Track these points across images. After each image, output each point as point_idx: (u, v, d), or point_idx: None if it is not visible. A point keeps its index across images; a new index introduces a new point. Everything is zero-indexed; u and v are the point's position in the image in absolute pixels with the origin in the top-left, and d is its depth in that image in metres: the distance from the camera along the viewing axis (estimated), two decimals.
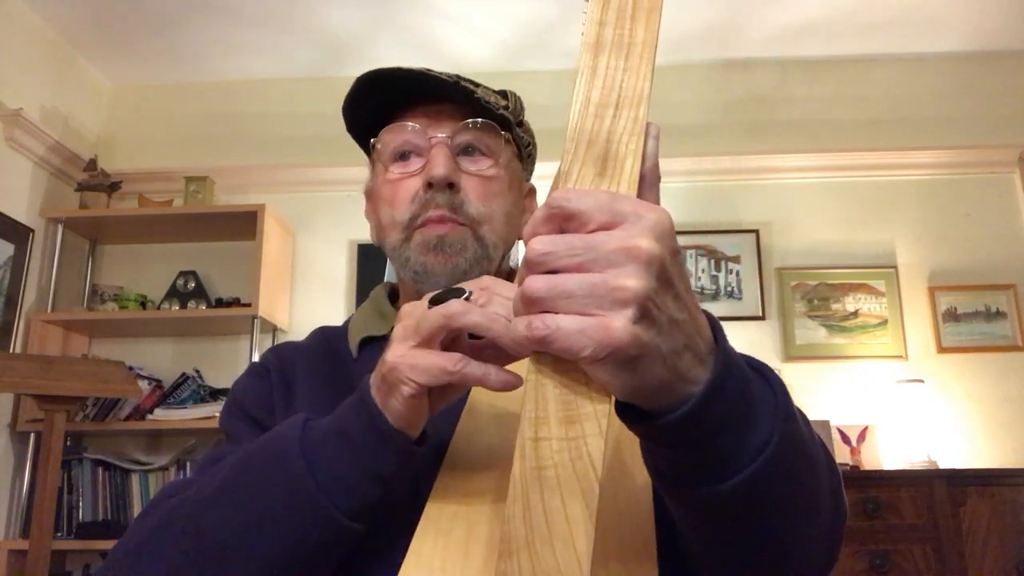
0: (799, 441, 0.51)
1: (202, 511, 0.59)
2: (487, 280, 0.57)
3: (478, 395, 0.68)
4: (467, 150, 0.79)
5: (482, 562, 0.53)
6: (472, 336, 0.56)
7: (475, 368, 0.53)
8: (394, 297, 0.89)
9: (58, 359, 2.68)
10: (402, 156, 0.80)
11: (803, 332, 3.15)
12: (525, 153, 0.87)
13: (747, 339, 3.06)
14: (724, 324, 0.59)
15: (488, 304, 0.54)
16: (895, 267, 3.18)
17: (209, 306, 3.08)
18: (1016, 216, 3.23)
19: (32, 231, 3.00)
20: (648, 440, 0.49)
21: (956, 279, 3.15)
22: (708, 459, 0.47)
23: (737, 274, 3.20)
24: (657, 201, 0.47)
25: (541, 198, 0.87)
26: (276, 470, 0.57)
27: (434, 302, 0.55)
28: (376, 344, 0.81)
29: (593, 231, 0.41)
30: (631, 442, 0.59)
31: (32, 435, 2.87)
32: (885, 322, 3.13)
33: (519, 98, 0.86)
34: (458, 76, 0.80)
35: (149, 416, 2.94)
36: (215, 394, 3.00)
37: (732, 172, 3.25)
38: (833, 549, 0.58)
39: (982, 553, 2.47)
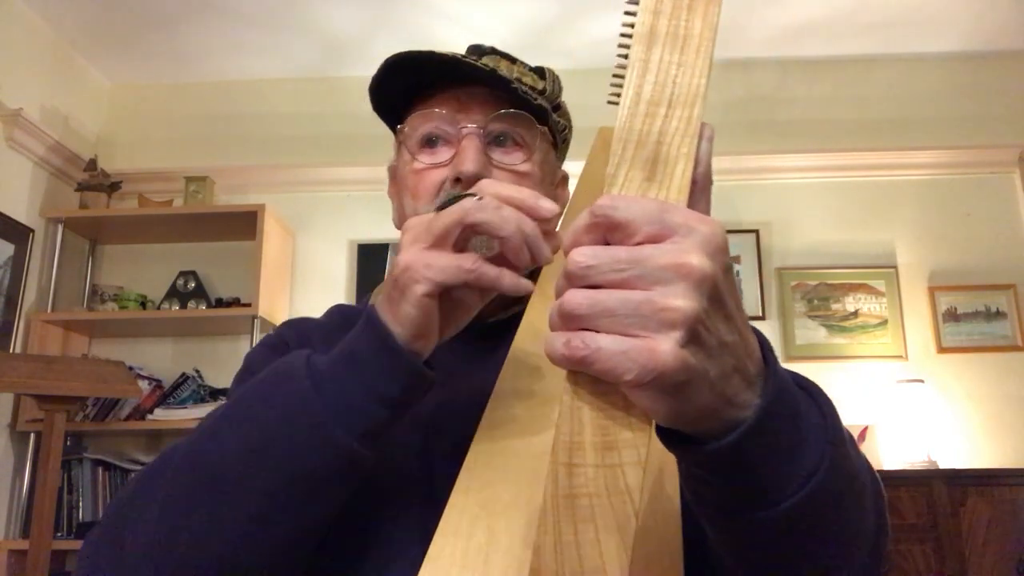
0: (847, 465, 0.49)
1: (198, 445, 0.55)
2: (485, 183, 0.55)
3: (504, 384, 0.64)
4: (499, 139, 0.75)
5: (500, 572, 0.51)
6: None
7: (490, 269, 0.51)
8: None
9: (58, 359, 2.68)
10: (429, 143, 0.75)
11: (803, 332, 3.15)
12: (560, 139, 0.82)
13: None
14: None
15: (498, 208, 0.51)
16: (895, 267, 3.18)
17: (209, 306, 3.08)
18: (1016, 216, 3.22)
19: (32, 231, 3.00)
20: (692, 466, 0.46)
21: (956, 279, 3.15)
22: (755, 486, 0.44)
23: (737, 274, 3.19)
24: (708, 209, 0.45)
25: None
26: (278, 394, 0.54)
27: (443, 207, 0.53)
28: None
29: (640, 243, 0.38)
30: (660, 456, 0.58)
31: (32, 435, 2.87)
32: (885, 322, 3.13)
33: (557, 78, 0.81)
34: (495, 52, 0.76)
35: (149, 416, 2.94)
36: (215, 394, 3.00)
37: (732, 172, 3.25)
38: (875, 571, 0.56)
39: (982, 553, 2.47)
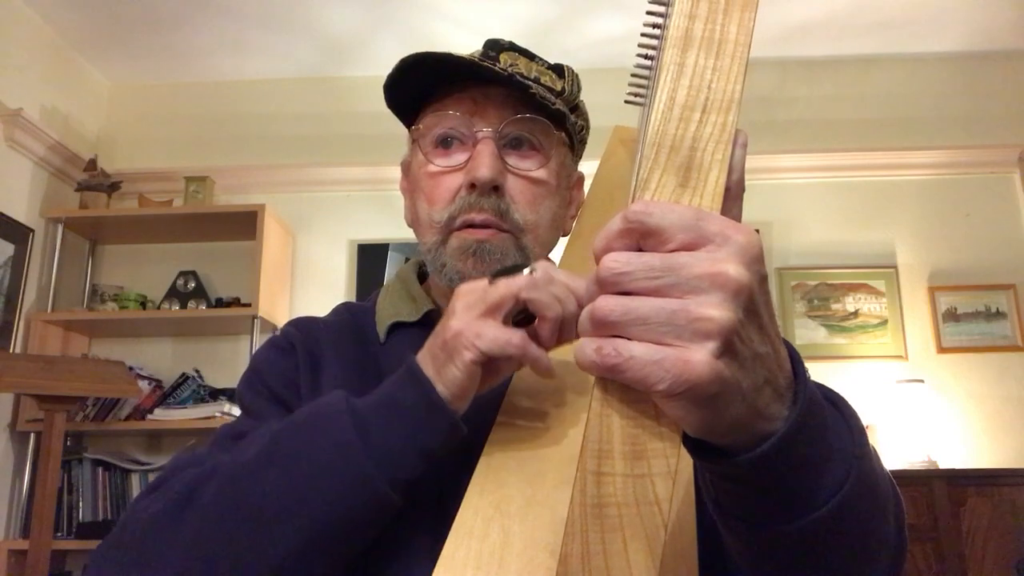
0: (872, 478, 0.49)
1: (238, 478, 0.57)
2: (543, 263, 0.57)
3: (513, 396, 0.65)
4: (515, 142, 0.73)
5: (515, 575, 0.51)
6: (516, 322, 0.57)
7: (534, 349, 0.54)
8: (423, 277, 0.83)
9: (58, 359, 2.69)
10: (444, 144, 0.74)
11: (803, 332, 3.15)
12: (577, 139, 0.81)
13: None
14: None
15: (549, 284, 0.54)
16: (895, 267, 3.18)
17: (209, 306, 3.08)
18: (1016, 216, 3.23)
19: (32, 231, 3.00)
20: (718, 477, 0.45)
21: (956, 279, 3.15)
22: (783, 498, 0.44)
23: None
24: (740, 216, 0.45)
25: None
26: (322, 438, 0.56)
27: (497, 276, 0.56)
28: (405, 331, 0.76)
29: (674, 251, 0.38)
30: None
31: (32, 435, 2.87)
32: (885, 322, 3.13)
33: (576, 76, 0.79)
34: (514, 48, 0.75)
35: (149, 416, 2.93)
36: (215, 394, 3.00)
37: None
38: None
39: (982, 553, 2.47)
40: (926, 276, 3.18)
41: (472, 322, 0.55)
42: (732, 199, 0.44)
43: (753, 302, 0.38)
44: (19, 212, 2.95)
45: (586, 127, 0.82)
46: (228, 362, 3.13)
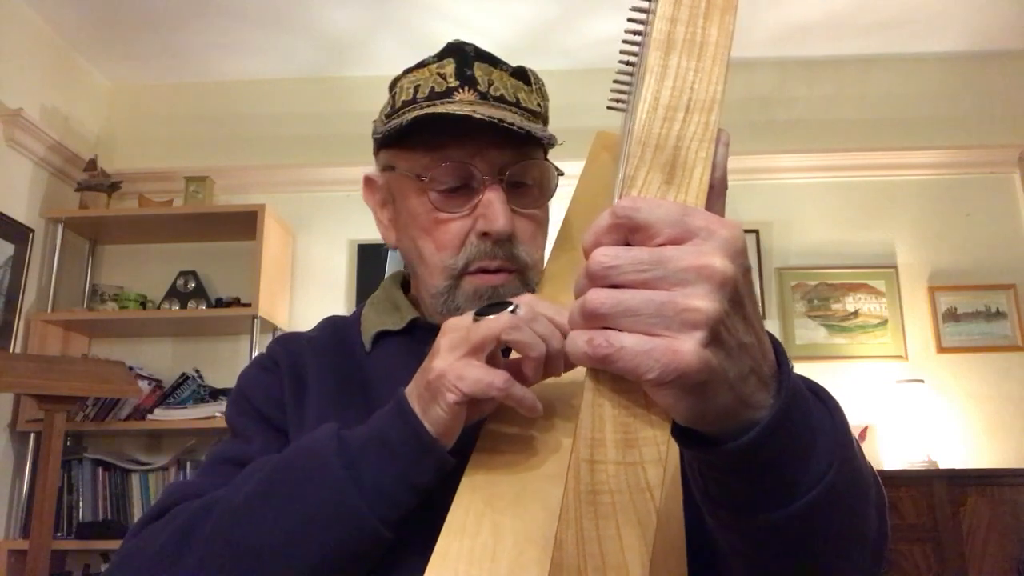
0: (854, 468, 0.50)
1: (236, 517, 0.59)
2: (527, 297, 0.57)
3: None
4: (518, 183, 0.75)
5: (507, 570, 0.52)
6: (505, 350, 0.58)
7: (518, 390, 0.54)
8: (406, 288, 0.85)
9: (58, 359, 2.69)
10: (447, 188, 0.74)
11: (803, 332, 3.15)
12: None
13: None
14: None
15: (533, 322, 0.54)
16: (895, 267, 3.19)
17: (209, 306, 3.08)
18: (1016, 216, 3.23)
19: (32, 231, 3.00)
20: (705, 465, 0.46)
21: (956, 279, 3.15)
22: (768, 486, 0.45)
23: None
24: (723, 212, 0.46)
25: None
26: (316, 477, 0.57)
27: (480, 314, 0.56)
28: (391, 339, 0.78)
29: (661, 245, 0.39)
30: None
31: (32, 435, 2.87)
32: (885, 322, 3.13)
33: (542, 83, 0.81)
34: (480, 59, 0.75)
35: (149, 416, 2.93)
36: (215, 394, 3.00)
37: (732, 172, 3.15)
38: (876, 572, 0.57)
39: (982, 553, 2.47)
40: (926, 276, 3.18)
41: (455, 363, 0.55)
42: (716, 195, 0.45)
43: (738, 293, 0.39)
44: (19, 212, 2.95)
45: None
46: (228, 362, 3.13)
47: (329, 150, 3.36)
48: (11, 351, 2.85)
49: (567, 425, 0.61)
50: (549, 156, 0.81)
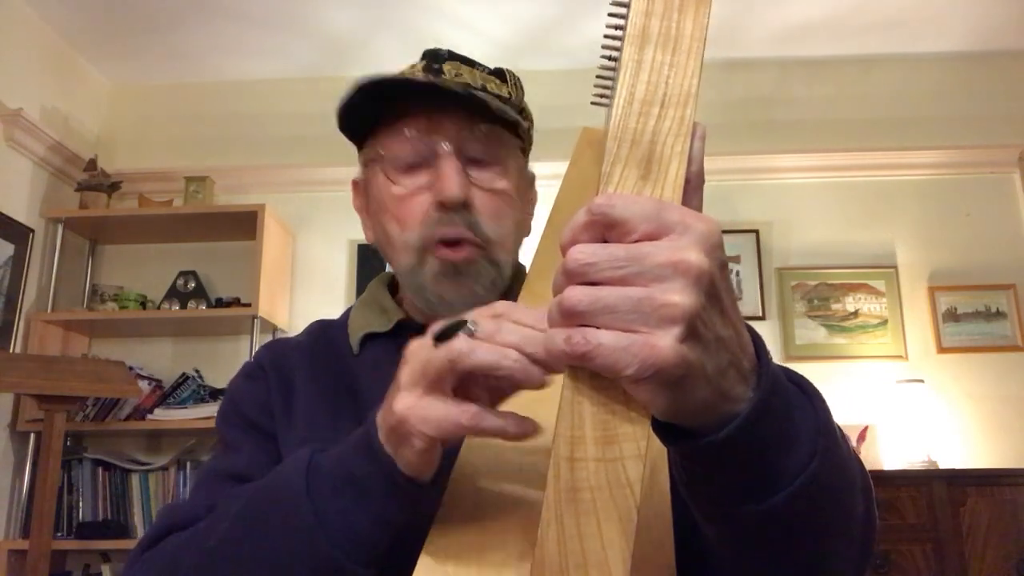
0: (838, 457, 0.50)
1: (212, 561, 0.58)
2: (500, 306, 0.51)
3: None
4: (475, 156, 0.74)
5: (495, 567, 0.52)
6: None
7: (491, 421, 0.49)
8: (393, 289, 0.85)
9: (58, 359, 2.69)
10: (406, 164, 0.74)
11: (803, 332, 3.15)
12: (528, 142, 0.83)
13: None
14: None
15: (496, 334, 0.48)
16: (895, 267, 3.19)
17: (209, 306, 3.08)
18: (1016, 216, 3.23)
19: (32, 231, 3.00)
20: (687, 459, 0.46)
21: (956, 279, 3.15)
22: (750, 478, 0.45)
23: (737, 274, 3.20)
24: (700, 206, 0.46)
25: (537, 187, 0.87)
26: (284, 521, 0.55)
27: (438, 338, 0.50)
28: (378, 341, 0.78)
29: (637, 241, 0.39)
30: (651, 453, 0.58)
31: (32, 435, 2.87)
32: (885, 322, 3.13)
33: (518, 80, 0.80)
34: (454, 58, 0.76)
35: (149, 416, 2.94)
36: (215, 394, 3.00)
37: (732, 172, 3.24)
38: (864, 563, 0.57)
39: (982, 553, 2.47)
40: (926, 276, 3.18)
41: (416, 404, 0.50)
42: (692, 190, 0.45)
43: (714, 287, 0.39)
44: (19, 212, 2.95)
45: (531, 125, 0.83)
46: (228, 362, 3.13)
47: (329, 150, 3.33)
48: (11, 351, 2.85)
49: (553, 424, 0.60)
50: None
